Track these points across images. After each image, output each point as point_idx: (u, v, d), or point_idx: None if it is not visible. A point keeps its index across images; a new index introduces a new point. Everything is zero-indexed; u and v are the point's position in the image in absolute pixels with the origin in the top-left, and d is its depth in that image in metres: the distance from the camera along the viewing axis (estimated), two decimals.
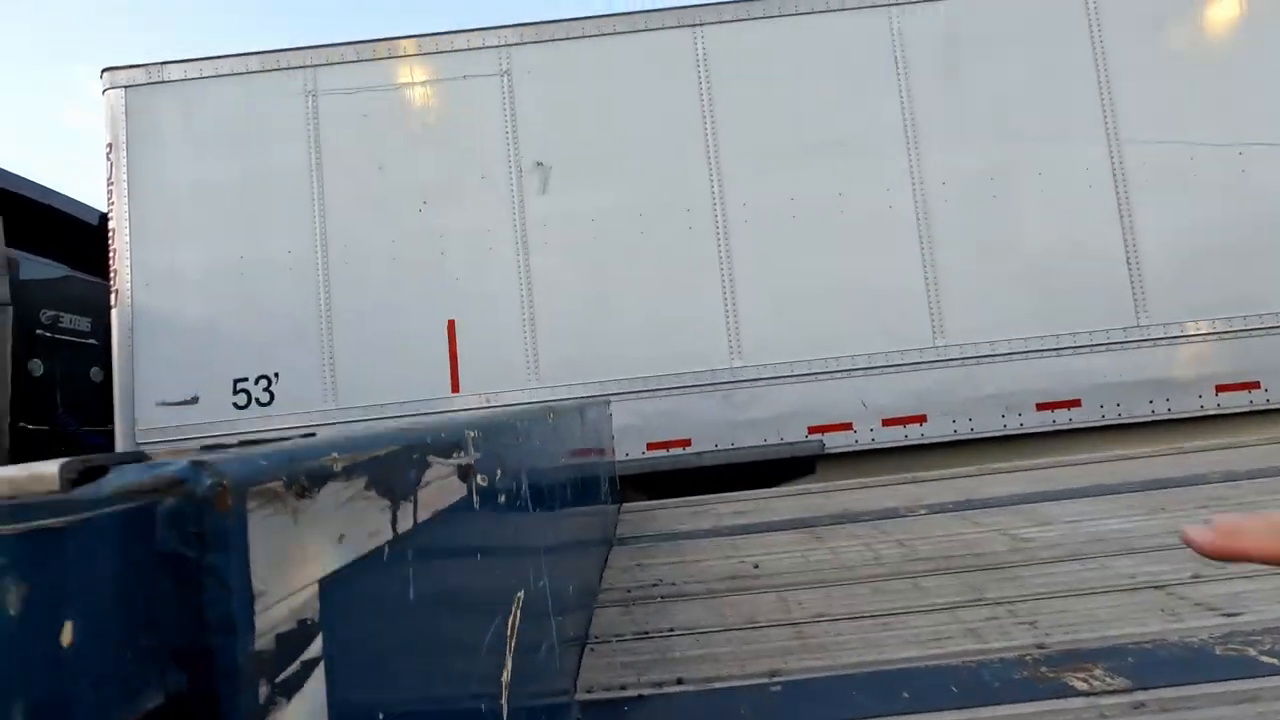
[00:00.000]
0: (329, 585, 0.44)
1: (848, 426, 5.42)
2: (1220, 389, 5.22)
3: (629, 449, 5.33)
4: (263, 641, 0.37)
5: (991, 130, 5.33)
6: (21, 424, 5.04)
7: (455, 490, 0.72)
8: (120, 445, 5.07)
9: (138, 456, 0.38)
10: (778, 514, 3.15)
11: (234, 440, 1.01)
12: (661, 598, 2.12)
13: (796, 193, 5.44)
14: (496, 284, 5.37)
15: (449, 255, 5.47)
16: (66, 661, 0.28)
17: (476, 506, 0.80)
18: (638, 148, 5.46)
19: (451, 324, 5.42)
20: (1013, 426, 5.35)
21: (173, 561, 0.35)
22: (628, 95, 5.46)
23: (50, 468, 0.33)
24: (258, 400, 5.19)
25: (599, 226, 5.48)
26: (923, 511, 2.90)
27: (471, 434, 0.79)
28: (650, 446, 5.46)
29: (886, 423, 5.42)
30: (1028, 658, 1.48)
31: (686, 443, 5.47)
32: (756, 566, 2.36)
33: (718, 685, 1.50)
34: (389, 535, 0.54)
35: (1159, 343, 5.24)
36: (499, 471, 0.91)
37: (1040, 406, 5.33)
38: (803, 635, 1.72)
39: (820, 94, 5.38)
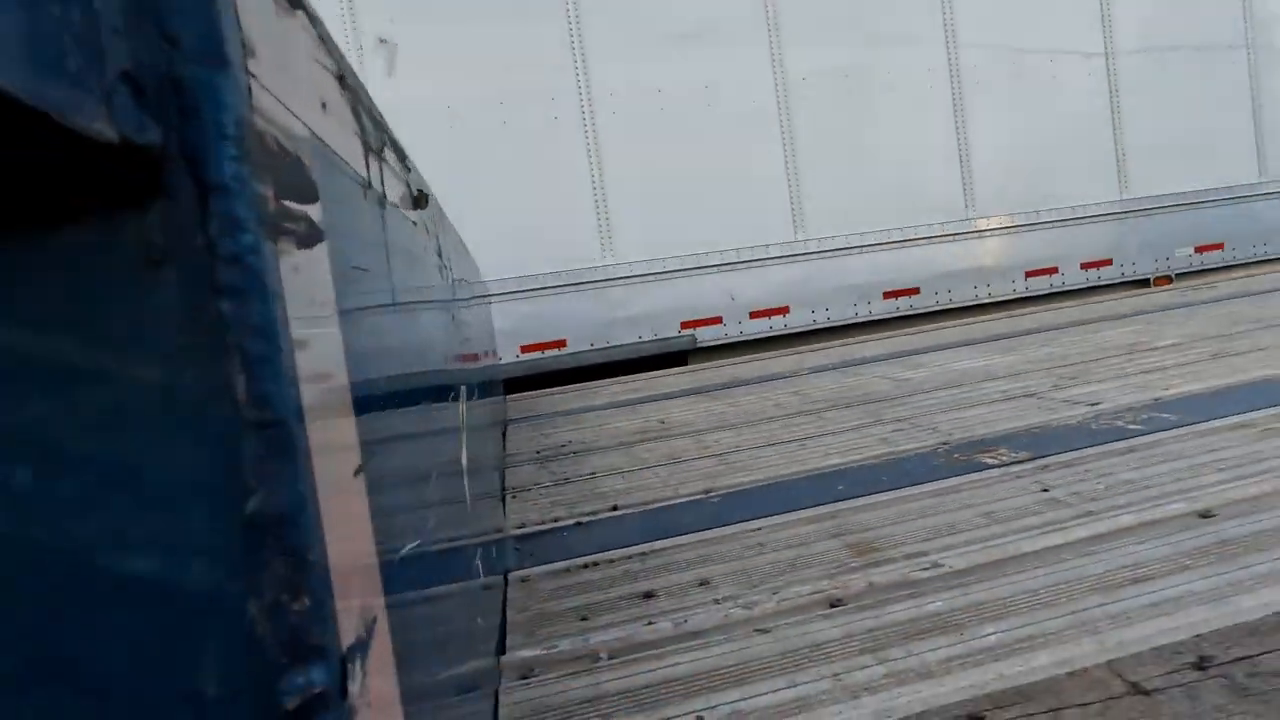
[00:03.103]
0: None
1: (718, 320, 5.53)
2: (1029, 274, 5.91)
3: (502, 353, 5.12)
4: None
5: (847, 29, 5.44)
6: None
7: None
8: None
9: None
10: (670, 388, 3.17)
11: None
12: (574, 454, 2.04)
13: (664, 84, 5.28)
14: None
15: None
16: None
17: None
18: (496, 29, 4.99)
19: None
20: (864, 314, 5.74)
21: None
22: None
23: None
24: None
25: (455, 115, 5.01)
26: (806, 373, 3.03)
27: None
28: (524, 349, 5.27)
29: (754, 315, 5.60)
30: (939, 450, 1.58)
31: (562, 343, 5.33)
32: (663, 422, 2.34)
33: (654, 506, 1.46)
34: None
35: (984, 234, 5.79)
36: None
37: (887, 295, 5.75)
38: (727, 462, 1.72)
39: None
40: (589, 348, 5.32)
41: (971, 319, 5.18)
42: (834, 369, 3.01)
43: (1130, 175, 5.89)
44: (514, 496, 1.63)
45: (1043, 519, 1.12)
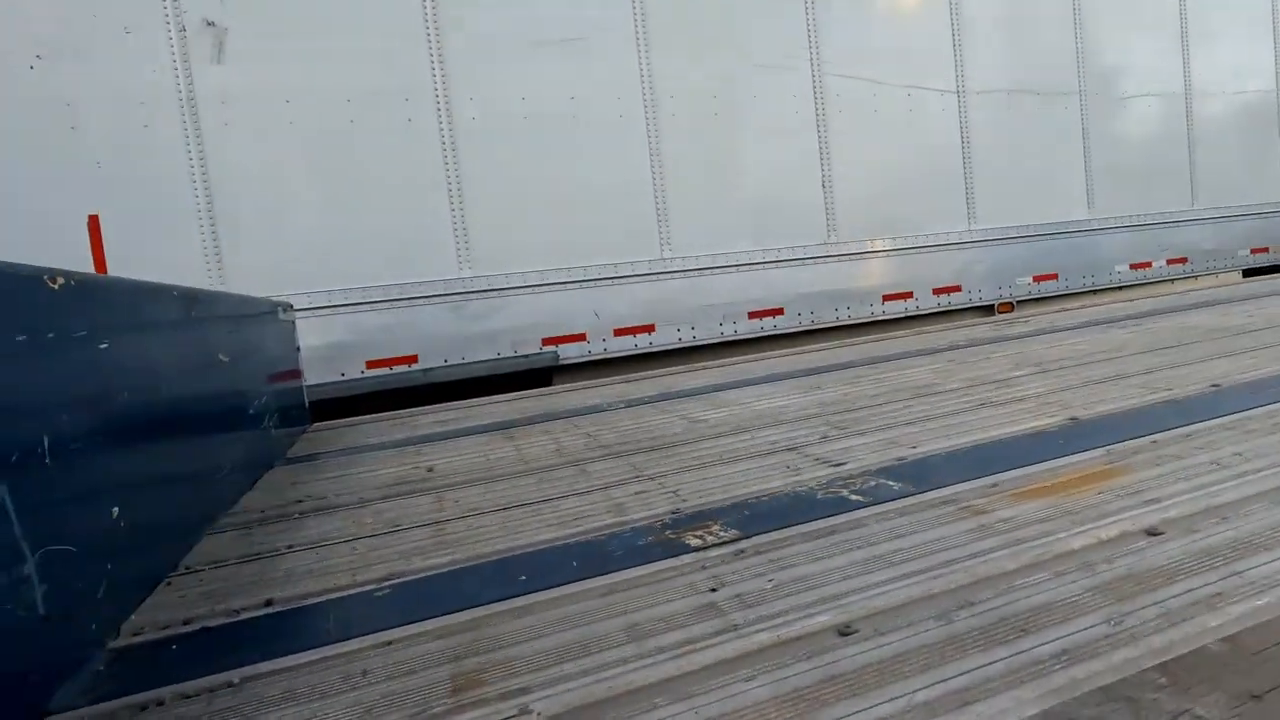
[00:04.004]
0: None
1: (581, 337, 5.39)
2: (886, 298, 6.10)
3: (345, 368, 4.77)
4: None
5: (717, 50, 5.43)
6: None
7: None
8: None
9: None
10: (481, 419, 2.97)
11: None
12: (299, 514, 1.80)
13: (528, 92, 5.08)
14: (158, 168, 4.30)
15: (84, 130, 4.24)
16: None
17: None
18: (344, 18, 4.63)
19: (94, 219, 4.27)
20: (729, 333, 5.75)
21: None
22: None
23: None
24: None
25: (295, 109, 4.61)
26: (621, 405, 2.91)
27: None
28: (371, 364, 4.93)
29: (618, 332, 5.49)
30: (658, 524, 1.46)
31: (413, 359, 5.03)
32: (430, 470, 2.14)
33: (312, 601, 1.26)
34: None
35: (844, 258, 5.92)
36: None
37: (752, 314, 5.77)
38: (441, 533, 1.55)
39: None
40: (443, 364, 5.05)
41: (825, 342, 5.26)
42: (649, 402, 2.90)
43: (977, 208, 6.19)
44: (168, 584, 1.39)
45: (685, 635, 1.00)
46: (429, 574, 1.33)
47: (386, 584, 1.29)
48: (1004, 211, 6.23)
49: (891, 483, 1.55)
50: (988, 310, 6.31)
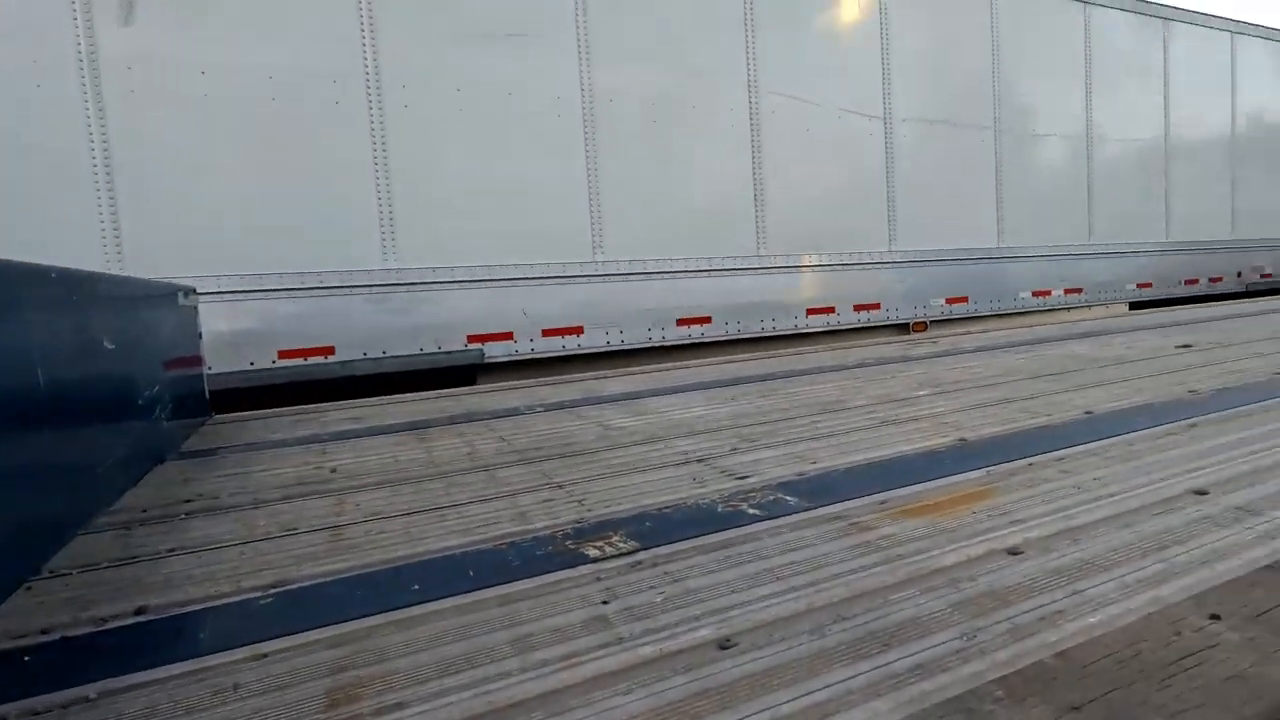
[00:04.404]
0: None
1: (508, 336, 5.33)
2: (810, 312, 6.31)
3: (255, 358, 4.55)
4: None
5: (657, 58, 5.48)
6: None
7: None
8: None
9: None
10: (394, 417, 2.90)
11: None
12: (185, 514, 1.71)
13: (464, 83, 4.99)
14: (51, 135, 3.99)
15: None
16: None
17: None
18: None
19: None
20: (657, 339, 5.80)
21: None
22: None
23: None
24: None
25: (211, 82, 4.38)
26: (540, 409, 2.90)
27: None
28: (283, 354, 4.73)
29: (546, 333, 5.46)
30: (560, 534, 1.47)
31: (329, 350, 4.85)
32: (334, 470, 2.08)
33: (190, 609, 1.20)
34: None
35: (772, 271, 6.08)
36: None
37: (681, 321, 5.85)
38: (338, 538, 1.51)
39: None
40: (361, 357, 4.89)
41: (749, 353, 5.39)
42: (568, 407, 2.90)
43: (898, 230, 6.49)
44: (28, 588, 1.30)
45: (571, 648, 1.01)
46: (318, 581, 1.29)
47: (272, 592, 1.25)
48: (922, 236, 6.56)
49: (789, 497, 1.61)
50: (904, 328, 6.62)
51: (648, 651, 0.99)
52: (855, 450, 1.98)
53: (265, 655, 1.03)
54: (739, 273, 5.98)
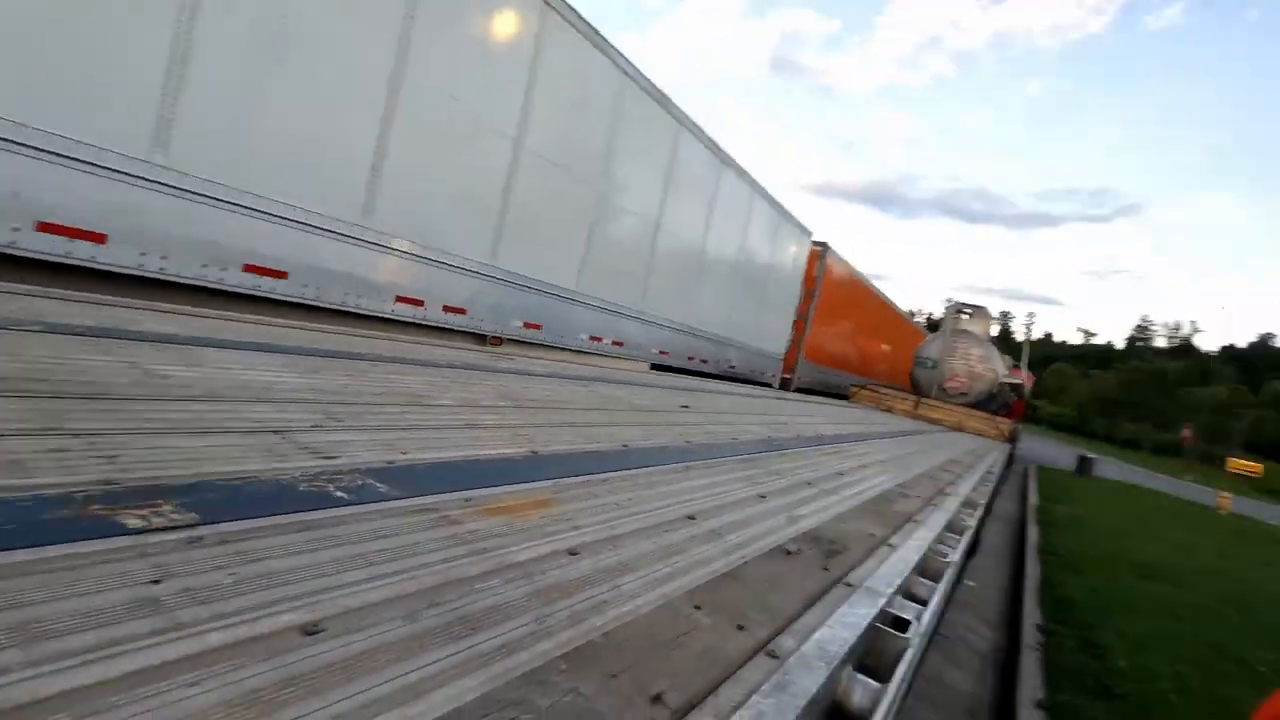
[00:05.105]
0: None
1: None
2: (399, 299, 6.16)
3: None
4: None
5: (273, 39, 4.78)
6: None
7: None
8: None
9: None
10: None
11: None
12: None
13: None
14: None
15: None
16: None
17: None
18: None
19: None
20: (213, 279, 4.90)
21: None
22: None
23: None
24: None
25: None
26: (39, 328, 2.16)
27: None
28: None
29: (46, 228, 4.12)
30: (81, 494, 1.15)
31: None
32: None
33: None
34: None
35: (370, 245, 5.75)
36: None
37: (248, 268, 5.06)
38: None
39: None
40: None
41: (328, 325, 4.96)
42: (84, 336, 2.24)
43: (502, 246, 6.88)
44: None
45: (108, 635, 0.82)
46: None
47: None
48: (520, 259, 7.10)
49: (379, 484, 1.58)
50: (482, 339, 6.99)
51: (217, 638, 0.87)
52: (443, 447, 2.05)
53: None
54: (334, 236, 5.51)
